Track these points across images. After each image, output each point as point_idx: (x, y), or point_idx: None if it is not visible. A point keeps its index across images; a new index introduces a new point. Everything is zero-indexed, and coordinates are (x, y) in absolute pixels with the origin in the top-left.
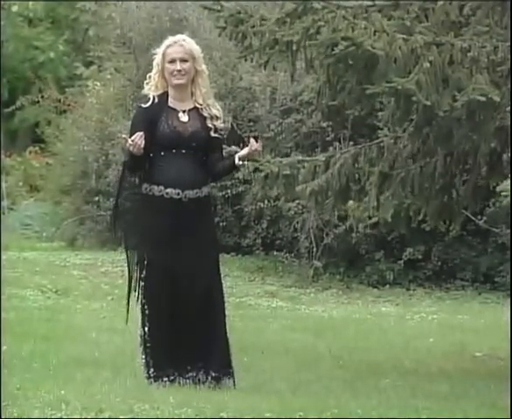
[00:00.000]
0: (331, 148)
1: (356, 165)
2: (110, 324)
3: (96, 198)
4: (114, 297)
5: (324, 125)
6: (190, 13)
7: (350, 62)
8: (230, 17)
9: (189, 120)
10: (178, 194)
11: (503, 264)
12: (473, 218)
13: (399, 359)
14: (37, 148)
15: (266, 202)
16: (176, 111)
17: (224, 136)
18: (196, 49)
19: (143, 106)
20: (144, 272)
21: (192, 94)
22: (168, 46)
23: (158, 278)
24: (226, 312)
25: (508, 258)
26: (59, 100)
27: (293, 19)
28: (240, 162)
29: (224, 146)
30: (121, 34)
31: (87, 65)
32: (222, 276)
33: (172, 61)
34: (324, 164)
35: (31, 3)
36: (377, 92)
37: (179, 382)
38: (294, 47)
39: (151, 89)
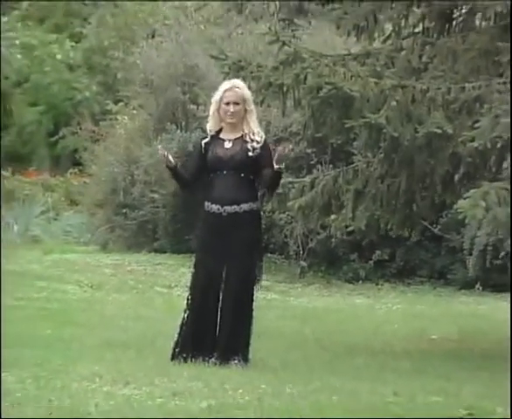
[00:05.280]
0: (315, 170)
1: (336, 185)
2: (135, 313)
3: (124, 210)
4: (138, 290)
5: (309, 151)
6: (200, 61)
7: (331, 101)
8: (232, 65)
9: (232, 146)
10: (218, 209)
11: (454, 263)
12: (429, 227)
13: (370, 341)
14: (76, 170)
15: (261, 213)
16: (223, 140)
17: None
18: (247, 93)
19: (203, 141)
20: (193, 269)
21: (241, 128)
22: (225, 90)
23: (199, 276)
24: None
25: (458, 259)
26: (94, 131)
27: (285, 66)
28: (277, 166)
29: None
30: (144, 77)
31: (116, 102)
32: (256, 282)
33: (227, 104)
34: (310, 184)
35: (71, 53)
36: (354, 125)
37: (191, 360)
38: (285, 89)
39: (211, 125)
